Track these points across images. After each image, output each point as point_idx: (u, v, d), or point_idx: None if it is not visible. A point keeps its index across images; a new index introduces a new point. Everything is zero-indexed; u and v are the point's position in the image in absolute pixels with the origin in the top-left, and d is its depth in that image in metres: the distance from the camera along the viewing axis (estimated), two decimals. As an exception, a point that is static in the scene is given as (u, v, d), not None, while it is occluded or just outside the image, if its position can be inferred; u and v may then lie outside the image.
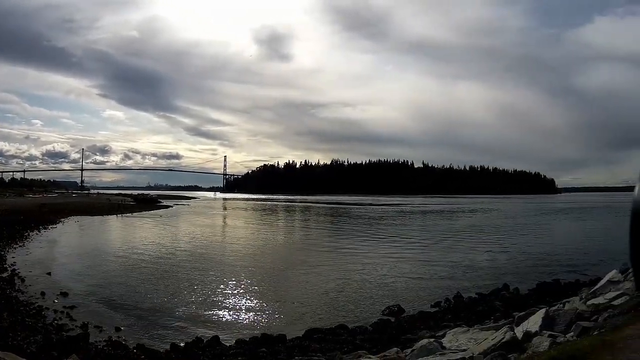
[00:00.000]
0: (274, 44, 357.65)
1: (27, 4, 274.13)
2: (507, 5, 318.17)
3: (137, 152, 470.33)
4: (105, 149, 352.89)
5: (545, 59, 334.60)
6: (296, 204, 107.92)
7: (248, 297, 14.52)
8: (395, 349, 7.91)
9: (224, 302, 13.90)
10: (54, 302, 13.35)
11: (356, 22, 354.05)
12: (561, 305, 7.70)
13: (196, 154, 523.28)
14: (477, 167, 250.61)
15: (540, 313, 6.50)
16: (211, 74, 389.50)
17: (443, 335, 8.23)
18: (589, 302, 7.01)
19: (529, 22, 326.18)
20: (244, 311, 13.09)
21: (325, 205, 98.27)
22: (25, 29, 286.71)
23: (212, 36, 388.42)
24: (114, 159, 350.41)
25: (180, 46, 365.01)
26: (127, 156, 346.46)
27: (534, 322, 6.34)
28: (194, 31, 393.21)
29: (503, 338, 5.90)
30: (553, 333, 5.63)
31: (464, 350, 6.58)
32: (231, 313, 12.84)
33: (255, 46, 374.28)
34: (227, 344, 10.00)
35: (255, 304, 13.82)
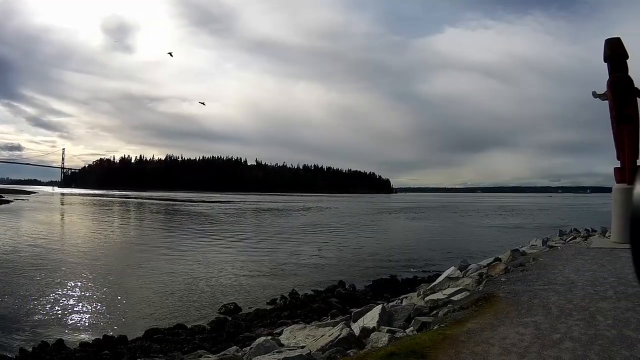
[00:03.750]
0: (120, 34, 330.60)
1: None
2: (355, 11, 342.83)
3: None
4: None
5: (389, 64, 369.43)
6: (131, 200, 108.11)
7: (88, 298, 14.12)
8: (235, 347, 7.96)
9: (65, 303, 13.49)
10: None
11: (203, 17, 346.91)
12: (399, 301, 8.01)
13: (37, 145, 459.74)
14: (311, 166, 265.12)
15: (377, 309, 6.58)
16: (58, 62, 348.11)
17: (280, 333, 8.15)
18: (427, 298, 7.36)
19: (376, 29, 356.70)
20: (84, 312, 12.75)
21: (159, 201, 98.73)
22: None
23: (63, 22, 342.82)
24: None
25: (31, 31, 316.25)
26: None
27: (370, 318, 6.39)
28: (46, 15, 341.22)
29: (340, 334, 5.78)
30: (392, 328, 5.66)
31: (302, 347, 6.37)
32: (72, 314, 12.48)
33: (102, 35, 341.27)
34: (72, 347, 9.74)
35: (96, 305, 13.45)
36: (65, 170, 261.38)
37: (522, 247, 13.20)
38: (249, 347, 7.10)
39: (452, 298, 6.69)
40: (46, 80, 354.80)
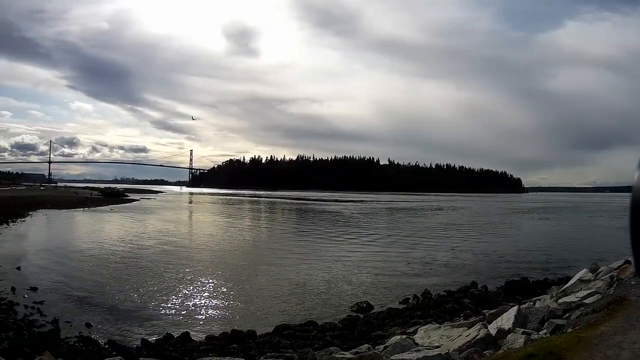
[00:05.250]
0: (243, 39, 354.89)
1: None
2: (477, 7, 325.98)
3: (105, 145, 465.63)
4: (73, 141, 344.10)
5: (513, 61, 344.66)
6: (262, 199, 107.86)
7: (217, 294, 14.37)
8: (366, 345, 7.86)
9: (193, 298, 13.79)
10: (24, 297, 13.10)
11: (326, 19, 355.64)
12: (531, 303, 7.87)
13: (163, 147, 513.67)
14: (444, 165, 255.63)
15: (513, 310, 6.60)
16: (180, 68, 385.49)
17: (414, 332, 8.29)
18: (560, 300, 7.18)
19: (499, 25, 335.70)
20: (212, 307, 12.94)
21: (291, 200, 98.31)
22: None
23: (182, 30, 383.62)
24: (82, 152, 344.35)
25: (150, 39, 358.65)
26: (94, 149, 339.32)
27: (506, 319, 6.43)
28: (164, 25, 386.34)
29: (477, 335, 5.96)
30: (527, 330, 5.74)
31: (437, 347, 6.61)
32: (200, 309, 12.70)
33: (224, 41, 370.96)
34: (198, 340, 9.89)
35: (225, 300, 13.65)
36: (193, 170, 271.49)
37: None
38: (383, 346, 7.39)
39: (584, 301, 6.46)
40: (169, 85, 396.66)
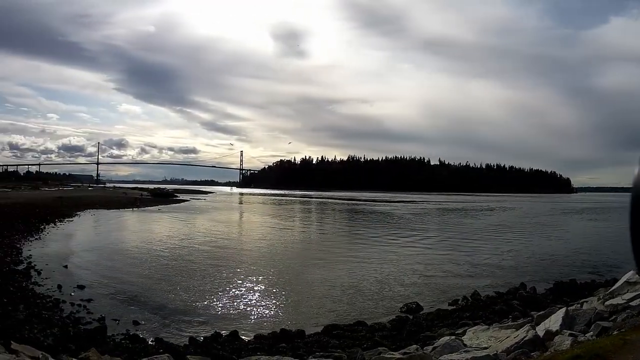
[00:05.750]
0: (291, 40, 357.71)
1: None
2: (522, 5, 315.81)
3: (154, 147, 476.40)
4: (122, 142, 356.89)
5: (560, 58, 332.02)
6: (312, 199, 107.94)
7: (266, 293, 14.46)
8: (415, 346, 7.94)
9: (242, 298, 13.86)
10: (70, 295, 13.27)
11: (372, 19, 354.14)
12: (579, 305, 7.90)
13: (213, 148, 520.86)
14: (494, 165, 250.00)
15: (561, 312, 6.72)
16: (229, 70, 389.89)
17: (463, 333, 8.44)
18: (607, 303, 7.20)
19: (544, 22, 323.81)
20: (262, 306, 12.98)
21: (342, 201, 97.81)
22: (39, 23, 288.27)
23: (230, 32, 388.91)
24: (130, 153, 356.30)
25: (197, 41, 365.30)
26: (143, 150, 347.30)
27: (554, 321, 6.56)
28: (211, 27, 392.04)
29: (525, 336, 6.13)
30: (573, 332, 5.89)
31: (486, 348, 6.79)
32: (249, 308, 12.77)
33: (272, 42, 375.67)
34: (246, 339, 9.99)
35: (274, 299, 13.72)
36: (243, 171, 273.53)
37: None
38: (431, 346, 7.54)
39: (630, 303, 6.47)
40: (218, 87, 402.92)
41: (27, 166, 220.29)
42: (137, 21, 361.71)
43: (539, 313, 7.79)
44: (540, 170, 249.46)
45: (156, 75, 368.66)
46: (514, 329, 7.25)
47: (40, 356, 5.88)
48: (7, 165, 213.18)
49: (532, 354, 5.69)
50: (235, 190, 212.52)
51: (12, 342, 6.13)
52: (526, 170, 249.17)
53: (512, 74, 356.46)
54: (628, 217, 1.17)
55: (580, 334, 5.78)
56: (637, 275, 7.90)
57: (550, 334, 6.18)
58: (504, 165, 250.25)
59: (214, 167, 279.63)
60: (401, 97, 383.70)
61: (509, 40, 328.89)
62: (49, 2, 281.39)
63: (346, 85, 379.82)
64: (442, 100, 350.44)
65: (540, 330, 6.55)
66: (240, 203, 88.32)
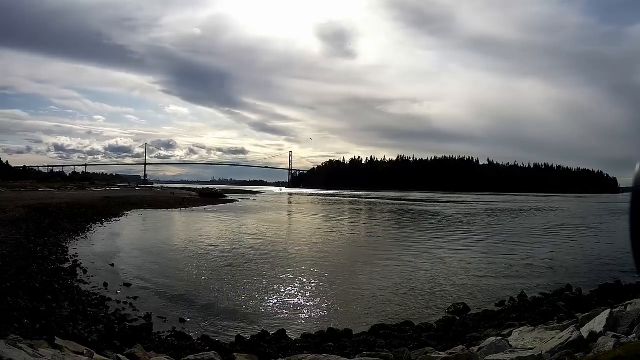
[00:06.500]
0: (339, 41, 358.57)
1: (84, 3, 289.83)
2: (566, 2, 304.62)
3: (202, 147, 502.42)
4: (170, 143, 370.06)
5: (606, 55, 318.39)
6: (362, 199, 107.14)
7: (315, 293, 14.55)
8: (461, 346, 7.98)
9: (290, 296, 14.01)
10: (116, 292, 13.51)
11: (419, 19, 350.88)
12: (623, 307, 8.00)
13: (262, 149, 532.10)
14: (542, 165, 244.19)
15: (605, 314, 6.89)
16: (277, 71, 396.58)
17: (509, 334, 8.56)
18: (651, 305, 7.27)
19: (588, 19, 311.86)
20: (309, 306, 13.08)
21: (391, 201, 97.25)
22: (84, 27, 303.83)
23: (277, 33, 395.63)
24: (179, 154, 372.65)
25: (245, 43, 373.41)
26: (192, 151, 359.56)
27: (598, 323, 6.75)
28: (258, 29, 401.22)
29: (570, 337, 6.33)
30: (616, 334, 6.08)
31: (531, 349, 7.03)
32: (298, 308, 12.86)
33: (320, 43, 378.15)
34: (294, 338, 10.12)
35: (323, 299, 13.74)
36: (293, 171, 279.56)
37: None
38: (477, 347, 7.68)
39: None
40: (267, 88, 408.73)
41: (73, 167, 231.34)
42: (184, 24, 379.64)
43: (584, 314, 7.89)
44: (587, 169, 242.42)
45: (203, 77, 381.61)
46: (558, 330, 7.39)
47: (85, 352, 5.95)
48: (53, 166, 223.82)
49: (575, 355, 5.89)
50: (285, 190, 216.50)
51: (56, 337, 6.26)
52: (573, 169, 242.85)
53: (558, 72, 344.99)
54: (628, 217, 1.33)
55: (623, 336, 5.97)
56: None
57: (594, 335, 6.35)
58: (552, 165, 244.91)
59: (263, 167, 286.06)
60: (449, 96, 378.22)
61: (553, 38, 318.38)
62: (92, 6, 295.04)
63: (394, 85, 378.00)
64: (490, 99, 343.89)
65: (585, 331, 6.71)
66: (289, 203, 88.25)
